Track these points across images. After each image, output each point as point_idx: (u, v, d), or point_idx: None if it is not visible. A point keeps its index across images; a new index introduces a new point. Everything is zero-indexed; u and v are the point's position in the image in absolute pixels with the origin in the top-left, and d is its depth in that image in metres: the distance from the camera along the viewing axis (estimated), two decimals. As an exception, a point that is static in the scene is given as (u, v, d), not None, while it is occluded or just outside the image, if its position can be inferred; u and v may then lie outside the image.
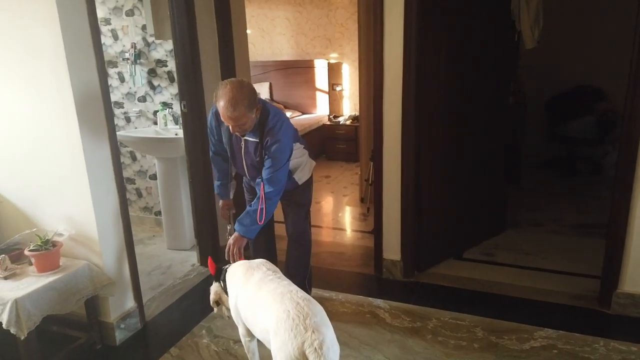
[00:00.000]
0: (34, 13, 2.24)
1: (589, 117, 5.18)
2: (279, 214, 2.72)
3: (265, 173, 2.36)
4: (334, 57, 6.83)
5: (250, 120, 2.24)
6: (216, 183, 2.73)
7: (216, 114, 2.43)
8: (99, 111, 2.45)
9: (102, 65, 2.44)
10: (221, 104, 2.16)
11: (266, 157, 2.35)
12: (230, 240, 2.37)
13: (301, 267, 2.74)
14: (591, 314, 2.77)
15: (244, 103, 2.15)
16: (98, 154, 2.45)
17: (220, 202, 2.77)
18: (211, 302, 2.31)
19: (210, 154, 2.69)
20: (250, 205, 2.40)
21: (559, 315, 2.76)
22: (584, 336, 2.54)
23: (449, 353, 2.45)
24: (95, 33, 2.39)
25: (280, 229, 2.88)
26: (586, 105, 5.25)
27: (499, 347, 2.48)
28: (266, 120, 2.33)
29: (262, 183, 2.36)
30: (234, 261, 2.34)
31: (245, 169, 2.51)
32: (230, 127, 2.25)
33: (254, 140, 2.36)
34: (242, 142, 2.42)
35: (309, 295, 1.87)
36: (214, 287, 2.30)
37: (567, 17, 5.14)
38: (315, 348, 1.64)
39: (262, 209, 2.33)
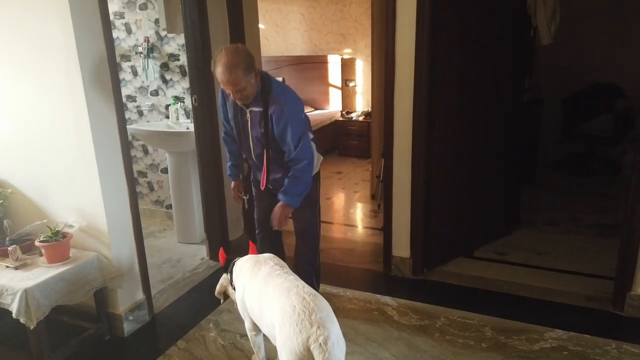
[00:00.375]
0: (46, 7, 2.26)
1: (608, 115, 5.08)
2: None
3: (288, 150, 2.34)
4: (347, 53, 6.79)
5: (250, 86, 2.21)
6: (227, 164, 2.72)
7: (222, 90, 2.43)
8: (109, 104, 2.46)
9: (113, 57, 2.45)
10: (219, 70, 2.16)
11: (277, 132, 2.30)
12: (276, 208, 2.44)
13: (308, 263, 2.72)
14: (604, 316, 2.72)
15: (240, 66, 2.14)
16: (108, 147, 2.47)
17: (232, 183, 2.76)
18: (216, 293, 2.31)
19: (222, 135, 2.68)
20: (288, 176, 2.39)
21: (571, 316, 2.71)
22: (595, 338, 2.49)
23: (457, 352, 2.42)
24: (107, 26, 2.40)
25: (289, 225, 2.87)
26: (605, 103, 5.15)
27: (508, 347, 2.45)
28: (269, 89, 2.30)
29: (264, 152, 2.35)
30: (280, 228, 2.47)
31: (251, 146, 2.44)
32: (232, 95, 2.24)
33: (258, 109, 2.33)
34: (248, 115, 2.37)
35: (315, 291, 1.86)
36: (222, 279, 2.30)
37: (585, 13, 5.04)
38: (320, 344, 1.63)
39: (265, 176, 2.40)
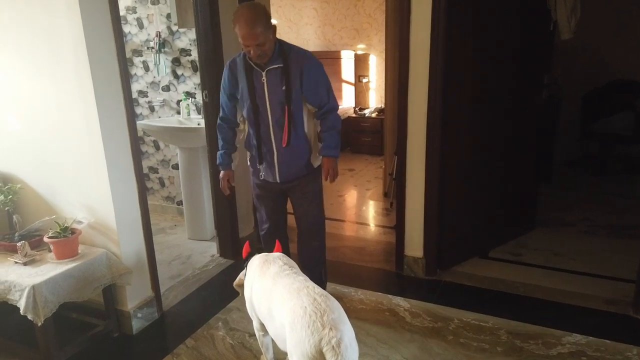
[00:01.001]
0: (55, 0, 2.23)
1: (628, 113, 4.96)
2: (290, 206, 2.67)
3: (321, 102, 2.42)
4: (361, 48, 6.72)
5: (269, 42, 2.24)
6: (219, 152, 2.62)
7: (230, 65, 2.43)
8: (119, 100, 2.43)
9: (123, 52, 2.42)
10: (240, 25, 2.18)
11: (310, 85, 2.35)
12: (325, 167, 2.50)
13: (317, 260, 2.67)
14: (624, 320, 2.63)
15: (261, 21, 2.18)
16: (117, 143, 2.44)
17: (222, 173, 2.63)
18: (234, 284, 2.28)
19: (218, 121, 2.60)
20: (324, 131, 2.46)
21: (590, 320, 2.62)
22: (615, 343, 2.41)
23: (471, 356, 2.36)
24: (116, 21, 2.37)
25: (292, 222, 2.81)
26: (625, 100, 5.02)
27: (524, 352, 2.37)
28: (289, 49, 2.36)
29: (285, 112, 2.35)
30: (335, 180, 2.54)
31: (269, 111, 2.38)
32: (251, 51, 2.23)
33: (278, 66, 2.32)
34: (264, 77, 2.34)
35: (326, 292, 1.81)
36: (242, 272, 2.27)
37: (607, 7, 4.90)
38: (333, 346, 1.58)
39: (287, 134, 2.40)
